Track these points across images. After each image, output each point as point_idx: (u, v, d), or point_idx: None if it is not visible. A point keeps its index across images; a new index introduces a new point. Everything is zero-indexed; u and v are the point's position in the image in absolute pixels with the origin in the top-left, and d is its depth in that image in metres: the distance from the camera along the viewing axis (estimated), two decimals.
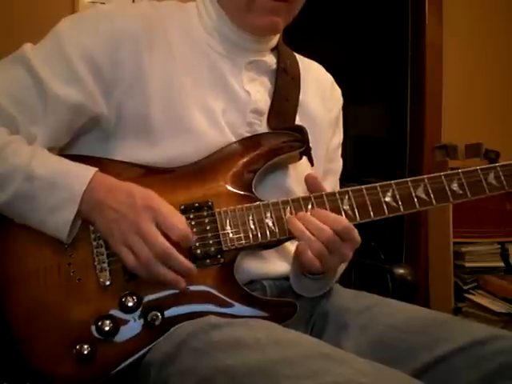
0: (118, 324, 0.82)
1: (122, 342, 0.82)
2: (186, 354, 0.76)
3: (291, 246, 0.96)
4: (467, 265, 2.60)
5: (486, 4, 2.90)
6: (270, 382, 0.66)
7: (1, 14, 2.08)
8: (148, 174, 0.90)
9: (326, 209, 0.90)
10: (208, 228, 0.88)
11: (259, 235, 0.88)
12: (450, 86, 2.83)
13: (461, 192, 0.93)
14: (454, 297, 2.59)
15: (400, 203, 0.91)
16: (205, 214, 0.88)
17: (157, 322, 0.83)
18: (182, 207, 0.88)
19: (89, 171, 0.84)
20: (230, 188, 0.91)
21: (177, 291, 0.84)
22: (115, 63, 0.91)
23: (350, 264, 1.11)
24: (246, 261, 0.93)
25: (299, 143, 0.97)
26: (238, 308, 0.86)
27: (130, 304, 0.83)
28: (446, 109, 2.83)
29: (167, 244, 0.79)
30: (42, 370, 0.81)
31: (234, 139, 0.96)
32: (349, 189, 0.92)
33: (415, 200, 0.92)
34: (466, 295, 2.60)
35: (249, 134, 0.98)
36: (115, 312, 0.83)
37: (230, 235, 0.88)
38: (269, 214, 0.89)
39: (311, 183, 0.92)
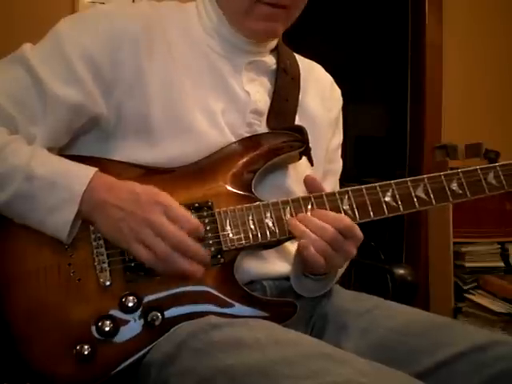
0: (118, 324, 0.82)
1: (122, 343, 0.82)
2: (186, 354, 0.76)
3: (291, 246, 0.96)
4: (467, 265, 2.60)
5: (485, 4, 2.90)
6: (270, 382, 0.66)
7: (1, 14, 2.08)
8: (148, 174, 0.90)
9: (325, 209, 0.90)
10: (208, 228, 0.87)
11: (259, 235, 0.88)
12: (450, 86, 2.83)
13: (460, 192, 0.93)
14: (454, 297, 2.59)
15: (400, 203, 0.91)
16: (205, 214, 0.88)
17: (157, 323, 0.83)
18: None
19: (89, 171, 0.84)
20: (229, 188, 0.91)
21: (177, 291, 0.84)
22: (115, 63, 0.91)
23: (350, 264, 1.11)
24: (246, 261, 0.93)
25: (299, 143, 0.97)
26: (238, 308, 0.86)
27: (130, 304, 0.83)
28: (446, 109, 2.83)
29: (182, 234, 0.80)
30: (42, 370, 0.81)
31: (233, 139, 0.96)
32: (349, 189, 0.92)
33: (415, 200, 0.92)
34: (466, 295, 2.60)
35: (248, 135, 0.98)
36: (115, 312, 0.83)
37: (230, 235, 0.88)
38: (269, 214, 0.89)
39: (310, 184, 0.92)
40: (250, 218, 0.89)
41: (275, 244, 0.91)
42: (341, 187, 1.11)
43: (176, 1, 1.05)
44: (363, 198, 0.91)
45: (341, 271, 1.05)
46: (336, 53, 3.92)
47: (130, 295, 0.83)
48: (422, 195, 0.92)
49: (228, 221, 0.88)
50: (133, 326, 0.83)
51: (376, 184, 0.92)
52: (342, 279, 1.11)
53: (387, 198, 0.91)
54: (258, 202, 0.90)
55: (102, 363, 0.81)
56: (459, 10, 2.85)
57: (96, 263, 0.84)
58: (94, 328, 0.82)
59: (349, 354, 0.71)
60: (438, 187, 0.93)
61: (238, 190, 0.91)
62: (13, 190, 0.82)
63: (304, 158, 0.98)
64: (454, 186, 0.93)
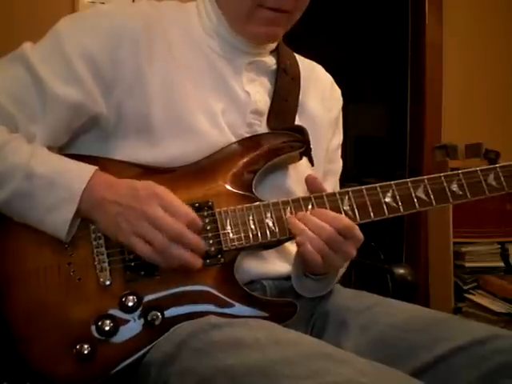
0: (118, 324, 0.82)
1: (122, 342, 0.82)
2: (186, 354, 0.76)
3: (291, 247, 0.96)
4: (467, 265, 2.60)
5: (485, 4, 2.90)
6: (270, 381, 0.66)
7: (1, 14, 2.08)
8: (148, 174, 0.90)
9: (326, 208, 0.90)
10: (208, 228, 0.88)
11: (259, 235, 0.88)
12: (450, 86, 2.83)
13: (460, 193, 0.93)
14: (454, 297, 2.59)
15: (400, 204, 0.91)
16: (205, 213, 0.88)
17: (157, 322, 0.83)
18: None
19: (89, 170, 0.85)
20: (230, 188, 0.91)
21: (177, 291, 0.85)
22: (115, 62, 0.91)
23: (350, 264, 1.11)
24: (246, 261, 0.93)
25: (299, 143, 0.97)
26: (238, 308, 0.86)
27: (130, 304, 0.83)
28: (446, 109, 2.83)
29: (180, 225, 0.80)
30: (42, 369, 0.81)
31: (234, 139, 0.96)
32: (349, 189, 0.92)
33: (415, 200, 0.92)
34: (466, 295, 2.60)
35: (249, 135, 0.98)
36: (115, 312, 0.83)
37: (231, 235, 0.88)
38: (269, 214, 0.89)
39: (311, 183, 0.92)
40: (251, 217, 0.89)
41: (275, 244, 0.91)
42: (341, 187, 1.11)
43: (176, 0, 1.05)
44: (363, 198, 0.91)
45: (341, 272, 1.05)
46: (336, 53, 3.92)
47: (130, 295, 0.84)
48: (423, 196, 0.92)
49: (228, 221, 0.88)
50: (133, 326, 0.83)
51: (376, 185, 0.92)
52: (342, 279, 1.11)
53: (387, 199, 0.91)
54: (258, 202, 0.90)
55: (101, 363, 0.81)
56: (459, 10, 2.85)
57: (96, 263, 0.84)
58: (93, 327, 0.82)
59: (349, 354, 0.71)
60: (438, 188, 0.93)
61: (239, 190, 0.91)
62: (12, 189, 0.82)
63: (304, 159, 0.98)
64: (455, 187, 0.93)
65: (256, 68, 1.02)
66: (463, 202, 0.94)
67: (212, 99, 0.96)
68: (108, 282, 0.84)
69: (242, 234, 0.88)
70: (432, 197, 0.92)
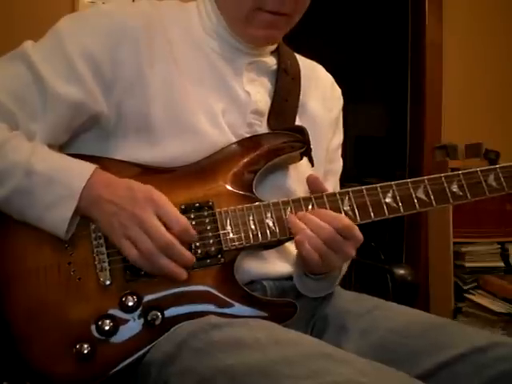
0: (118, 323, 0.82)
1: (122, 342, 0.82)
2: (186, 354, 0.76)
3: (292, 247, 0.96)
4: (467, 265, 2.60)
5: (485, 3, 2.90)
6: (270, 381, 0.66)
7: (1, 14, 2.08)
8: (148, 174, 0.90)
9: (326, 209, 0.90)
10: (208, 228, 0.88)
11: (259, 235, 0.88)
12: (450, 86, 2.83)
13: (461, 193, 0.93)
14: (454, 297, 2.59)
15: (400, 204, 0.91)
16: (205, 213, 0.88)
17: (157, 322, 0.83)
18: (183, 207, 0.88)
19: (88, 168, 0.85)
20: (230, 188, 0.91)
21: (177, 291, 0.84)
22: (115, 61, 0.91)
23: (350, 264, 1.11)
24: (246, 261, 0.93)
25: (300, 144, 0.97)
26: (238, 308, 0.86)
27: (130, 304, 0.83)
28: (446, 109, 2.83)
29: (170, 236, 0.80)
30: (42, 369, 0.81)
31: (234, 140, 0.96)
32: (349, 189, 0.92)
33: (415, 201, 0.92)
34: (466, 295, 2.60)
35: (249, 135, 0.98)
36: (115, 311, 0.83)
37: (231, 235, 0.88)
38: (269, 214, 0.89)
39: (313, 183, 0.92)
40: (251, 217, 0.89)
41: (276, 244, 0.91)
42: (341, 187, 1.11)
43: (177, 0, 1.05)
44: (364, 198, 0.91)
45: (343, 272, 1.05)
46: (336, 53, 3.92)
47: (130, 294, 0.83)
48: (423, 196, 0.92)
49: (228, 221, 0.88)
50: (133, 326, 0.83)
51: (377, 185, 0.92)
52: (342, 279, 1.11)
53: (388, 199, 0.91)
54: (258, 202, 0.90)
55: (101, 362, 0.81)
56: (459, 10, 2.85)
57: (96, 262, 0.84)
58: (93, 327, 0.82)
59: (349, 354, 0.71)
60: (439, 189, 0.93)
61: (239, 190, 0.91)
62: (12, 186, 0.82)
63: (305, 159, 0.98)
64: (455, 187, 0.93)
65: (256, 68, 1.02)
66: (463, 202, 0.94)
67: (212, 99, 0.96)
68: (108, 282, 0.84)
69: (242, 234, 0.88)
70: (432, 197, 0.92)
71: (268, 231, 0.89)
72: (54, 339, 0.81)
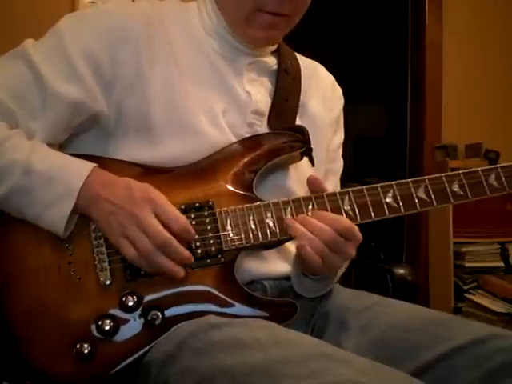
0: (118, 323, 0.82)
1: (122, 342, 0.82)
2: (186, 354, 0.76)
3: (292, 247, 0.96)
4: (467, 265, 2.60)
5: (485, 3, 2.90)
6: (271, 381, 0.66)
7: (1, 14, 2.08)
8: (148, 174, 0.90)
9: (326, 209, 0.90)
10: (208, 228, 0.88)
11: (260, 235, 0.88)
12: (450, 86, 2.83)
13: (461, 193, 0.93)
14: (454, 297, 2.59)
15: (401, 204, 0.91)
16: (205, 213, 0.88)
17: (157, 322, 0.83)
18: (183, 207, 0.88)
19: (87, 167, 0.85)
20: (230, 188, 0.91)
21: (177, 291, 0.84)
22: (115, 61, 0.91)
23: (350, 264, 1.11)
24: (246, 261, 0.93)
25: (300, 144, 0.97)
26: (238, 308, 0.86)
27: (131, 303, 0.83)
28: (446, 109, 2.83)
29: (167, 234, 0.80)
30: (42, 369, 0.81)
31: (234, 140, 0.95)
32: (349, 189, 0.92)
33: (416, 201, 0.92)
34: (466, 295, 2.60)
35: (249, 135, 0.97)
36: (115, 311, 0.83)
37: (231, 235, 0.88)
38: (269, 214, 0.89)
39: (313, 184, 0.92)
40: (251, 217, 0.89)
41: (276, 244, 0.91)
42: (341, 187, 1.11)
43: (177, 0, 1.05)
44: (364, 198, 0.91)
45: (341, 271, 1.05)
46: (336, 52, 3.93)
47: (130, 294, 0.83)
48: (423, 196, 0.92)
49: (229, 220, 0.88)
50: (133, 325, 0.83)
51: (377, 185, 0.92)
52: (342, 279, 1.11)
53: (388, 199, 0.91)
54: (258, 202, 0.90)
55: (101, 362, 0.81)
56: (459, 10, 2.85)
57: (96, 262, 0.84)
58: (94, 327, 0.82)
59: (349, 354, 0.71)
60: (439, 188, 0.93)
61: (239, 189, 0.91)
62: (11, 184, 0.82)
63: (305, 159, 0.98)
64: (455, 187, 0.93)
65: (257, 68, 1.02)
66: (464, 202, 0.94)
67: (213, 99, 0.96)
68: (108, 282, 0.84)
69: (243, 234, 0.88)
70: (433, 197, 0.92)
71: (268, 231, 0.89)
72: (54, 339, 0.81)
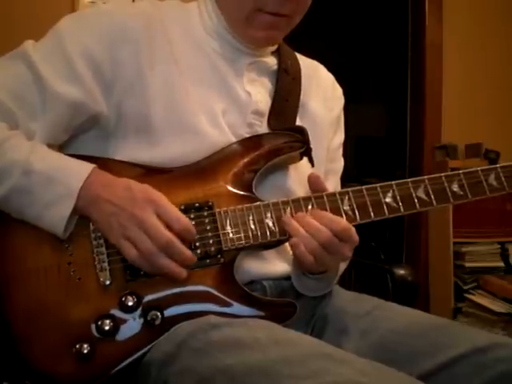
0: (117, 323, 0.82)
1: (122, 342, 0.82)
2: (185, 354, 0.76)
3: None
4: (467, 265, 2.60)
5: (485, 4, 2.90)
6: (270, 381, 0.66)
7: (1, 14, 2.08)
8: (148, 174, 0.90)
9: (326, 209, 0.90)
10: (208, 228, 0.88)
11: (259, 235, 0.88)
12: (450, 86, 2.83)
13: (461, 193, 0.93)
14: (454, 297, 2.59)
15: (400, 204, 0.91)
16: (205, 213, 0.88)
17: (157, 322, 0.83)
18: (183, 207, 0.88)
19: (87, 167, 0.85)
20: (230, 188, 0.91)
21: (177, 291, 0.84)
22: (115, 61, 0.91)
23: (350, 264, 1.11)
24: (246, 261, 0.93)
25: (299, 144, 0.97)
26: (238, 308, 0.86)
27: (130, 303, 0.83)
28: (446, 109, 2.83)
29: (170, 234, 0.80)
30: (42, 369, 0.81)
31: (234, 140, 0.95)
32: (349, 189, 0.92)
33: (415, 201, 0.92)
34: (466, 295, 2.60)
35: (249, 135, 0.97)
36: (115, 311, 0.83)
37: (230, 235, 0.88)
38: (269, 214, 0.89)
39: (313, 182, 0.92)
40: (251, 217, 0.89)
41: (275, 244, 0.91)
42: (341, 187, 1.11)
43: (178, 0, 1.05)
44: (364, 198, 0.91)
45: (341, 271, 1.05)
46: (336, 52, 3.92)
47: (130, 294, 0.83)
48: (423, 196, 0.92)
49: (228, 221, 0.88)
50: (132, 326, 0.83)
51: (377, 185, 0.92)
52: (341, 279, 1.11)
53: (388, 199, 0.91)
54: (258, 202, 0.90)
55: (101, 362, 0.81)
56: (459, 10, 2.85)
57: (96, 262, 0.84)
58: (93, 327, 0.82)
59: (349, 354, 0.71)
60: (439, 188, 0.92)
61: (239, 190, 0.91)
62: (10, 185, 0.82)
63: (305, 159, 0.98)
64: (455, 187, 0.93)
65: (257, 68, 1.02)
66: (464, 202, 0.94)
67: (213, 99, 0.96)
68: (108, 282, 0.84)
69: (242, 234, 0.88)
70: (432, 197, 0.92)
71: (268, 231, 0.89)
72: (54, 339, 0.81)
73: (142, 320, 0.83)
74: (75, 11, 2.07)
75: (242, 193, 0.91)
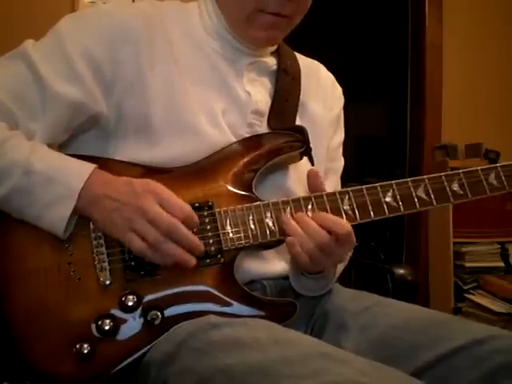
0: (117, 323, 0.82)
1: (122, 342, 0.82)
2: (185, 354, 0.76)
3: None
4: (467, 265, 2.60)
5: (485, 4, 2.90)
6: (270, 381, 0.66)
7: (1, 14, 2.08)
8: (148, 174, 0.90)
9: (326, 208, 0.90)
10: (208, 228, 0.88)
11: (259, 235, 0.88)
12: (450, 86, 2.83)
13: (461, 192, 0.93)
14: (454, 297, 2.59)
15: (400, 203, 0.91)
16: (205, 213, 0.88)
17: (157, 322, 0.83)
18: None
19: (87, 167, 0.85)
20: (230, 188, 0.91)
21: (177, 291, 0.85)
22: (115, 61, 0.91)
23: (350, 264, 1.11)
24: (246, 261, 0.93)
25: (299, 144, 0.97)
26: (238, 308, 0.86)
27: (130, 303, 0.83)
28: (446, 109, 2.83)
29: (173, 219, 0.79)
30: (42, 369, 0.81)
31: (234, 140, 0.96)
32: (349, 189, 0.92)
33: (415, 200, 0.91)
34: (466, 295, 2.60)
35: (249, 135, 0.98)
36: (115, 311, 0.83)
37: (230, 235, 0.88)
38: (269, 214, 0.89)
39: (312, 178, 0.92)
40: (251, 217, 0.89)
41: (275, 244, 0.91)
42: (341, 187, 1.11)
43: (178, 0, 1.05)
44: (364, 198, 0.91)
45: (339, 271, 1.05)
46: (337, 53, 3.92)
47: (130, 294, 0.83)
48: (423, 195, 0.92)
49: (228, 220, 0.88)
50: (132, 325, 0.83)
51: (377, 184, 0.92)
52: (342, 279, 1.11)
53: (388, 199, 0.91)
54: (258, 202, 0.90)
55: (101, 362, 0.81)
56: (459, 11, 2.85)
57: (96, 262, 0.84)
58: (93, 327, 0.82)
59: (349, 354, 0.71)
60: (439, 188, 0.92)
61: (239, 189, 0.91)
62: (11, 185, 0.82)
63: (305, 158, 0.98)
64: (455, 186, 0.93)
65: (257, 68, 1.02)
66: (464, 201, 0.94)
67: (213, 99, 0.96)
68: (108, 282, 0.84)
69: (242, 234, 0.88)
70: (432, 196, 0.92)
71: (268, 231, 0.89)
72: (54, 339, 0.81)
73: (142, 320, 0.83)
74: (75, 11, 2.07)
75: (241, 192, 0.91)
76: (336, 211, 0.90)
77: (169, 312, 0.84)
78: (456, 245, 2.60)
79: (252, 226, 0.89)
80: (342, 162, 1.16)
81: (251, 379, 0.67)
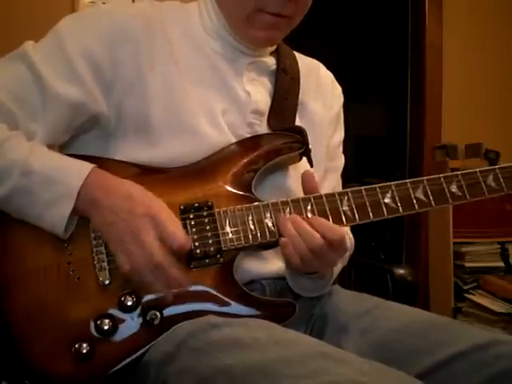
0: (117, 323, 0.82)
1: (121, 341, 0.82)
2: (185, 354, 0.76)
3: None
4: (467, 265, 2.60)
5: (486, 4, 2.90)
6: (270, 381, 0.66)
7: (1, 14, 2.08)
8: (148, 174, 0.90)
9: (325, 209, 0.90)
10: (208, 228, 0.88)
11: (259, 235, 0.88)
12: (450, 87, 2.83)
13: (460, 194, 0.93)
14: (454, 297, 2.59)
15: (399, 204, 0.91)
16: (204, 214, 0.88)
17: (156, 322, 0.83)
18: (182, 207, 0.88)
19: (86, 167, 0.84)
20: (229, 188, 0.91)
21: (176, 291, 0.84)
22: (115, 61, 0.91)
23: (350, 264, 1.11)
24: (245, 261, 0.93)
25: (299, 144, 0.97)
26: (237, 307, 0.86)
27: (129, 303, 0.83)
28: (446, 109, 2.83)
29: (160, 257, 0.79)
30: (41, 368, 0.81)
31: (234, 140, 0.96)
32: (348, 190, 0.92)
33: (414, 201, 0.92)
34: (466, 295, 2.60)
35: (249, 135, 0.98)
36: (114, 311, 0.83)
37: (230, 235, 0.88)
38: (268, 215, 0.89)
39: (306, 179, 0.92)
40: (250, 218, 0.89)
41: (275, 244, 0.91)
42: (342, 186, 1.11)
43: (178, 0, 1.05)
44: (363, 199, 0.91)
45: (336, 272, 1.05)
46: (337, 53, 3.92)
47: (129, 294, 0.84)
48: (422, 197, 0.92)
49: (228, 221, 0.88)
50: (132, 325, 0.83)
51: (376, 185, 0.92)
52: (341, 279, 1.11)
53: (387, 200, 0.91)
54: (257, 203, 0.90)
55: (100, 362, 0.81)
56: (459, 11, 2.85)
57: (95, 262, 0.84)
58: (93, 326, 0.82)
59: (349, 354, 0.71)
60: (438, 189, 0.92)
61: (238, 190, 0.92)
62: (11, 185, 0.82)
63: (304, 159, 0.98)
64: (454, 188, 0.93)
65: (257, 68, 1.02)
66: (462, 202, 0.94)
67: (212, 99, 0.96)
68: (107, 282, 0.84)
69: (242, 234, 0.88)
70: (431, 198, 0.92)
71: (267, 231, 0.89)
72: (53, 339, 0.82)
73: (141, 320, 0.83)
74: (75, 11, 2.07)
75: (241, 193, 0.91)
76: (335, 212, 0.90)
77: (168, 312, 0.84)
78: (456, 245, 2.60)
79: (251, 227, 0.89)
80: (342, 160, 1.16)
81: (251, 379, 0.67)
